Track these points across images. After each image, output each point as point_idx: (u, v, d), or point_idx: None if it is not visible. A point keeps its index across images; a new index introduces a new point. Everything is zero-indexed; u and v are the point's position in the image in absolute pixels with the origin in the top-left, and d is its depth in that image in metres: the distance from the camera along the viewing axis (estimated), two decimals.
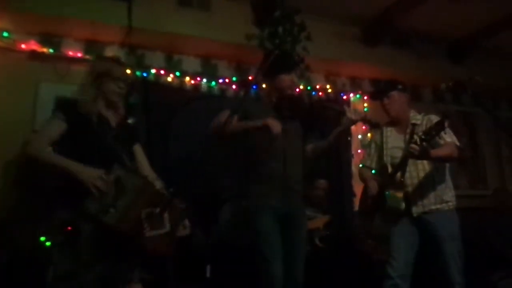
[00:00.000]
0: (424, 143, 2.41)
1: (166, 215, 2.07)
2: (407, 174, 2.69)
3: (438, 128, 2.38)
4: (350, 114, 2.47)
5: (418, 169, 2.72)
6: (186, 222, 2.22)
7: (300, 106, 2.41)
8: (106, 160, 2.03)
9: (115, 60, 2.36)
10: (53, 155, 2.05)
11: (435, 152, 2.56)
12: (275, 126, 2.28)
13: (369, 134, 4.65)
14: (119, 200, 1.98)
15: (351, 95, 4.98)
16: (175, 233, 2.14)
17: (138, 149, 2.34)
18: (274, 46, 3.76)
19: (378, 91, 2.89)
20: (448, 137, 2.63)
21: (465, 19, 4.63)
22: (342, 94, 4.93)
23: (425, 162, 2.70)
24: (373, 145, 2.95)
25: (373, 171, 2.90)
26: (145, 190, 2.07)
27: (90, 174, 1.96)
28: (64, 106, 2.15)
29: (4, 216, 3.24)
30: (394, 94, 2.80)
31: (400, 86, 2.84)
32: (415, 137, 2.55)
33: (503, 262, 3.90)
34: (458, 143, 2.69)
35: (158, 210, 2.04)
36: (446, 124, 2.35)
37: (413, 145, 2.43)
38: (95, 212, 1.94)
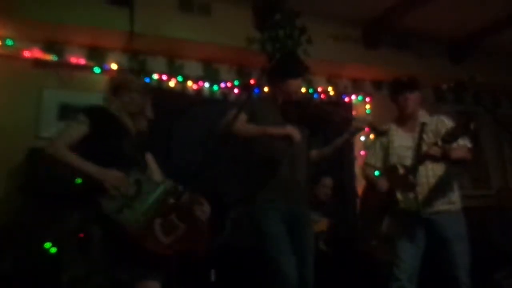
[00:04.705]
0: (446, 145, 2.39)
1: (173, 218, 2.10)
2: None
3: (463, 130, 2.35)
4: (357, 122, 2.48)
5: (427, 169, 2.67)
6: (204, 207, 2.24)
7: (307, 111, 2.42)
8: (124, 166, 2.07)
9: (129, 72, 2.46)
10: (72, 156, 2.07)
11: (455, 154, 2.54)
12: (296, 134, 2.27)
13: (371, 135, 4.65)
14: (136, 202, 2.00)
15: (353, 97, 5.00)
16: (198, 222, 2.18)
17: (149, 157, 2.40)
18: (275, 50, 3.77)
19: (403, 84, 2.84)
20: (461, 139, 2.58)
21: (465, 19, 4.65)
22: (344, 96, 4.94)
23: (434, 162, 2.66)
24: (378, 144, 2.92)
25: (376, 173, 2.88)
26: (165, 200, 2.11)
27: (112, 175, 2.01)
28: (89, 110, 2.20)
29: (8, 222, 3.25)
30: (418, 93, 2.82)
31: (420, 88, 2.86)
32: (431, 136, 2.52)
33: (507, 261, 3.90)
34: (469, 145, 2.67)
35: (174, 217, 2.09)
36: (471, 126, 2.32)
37: (435, 148, 2.40)
38: (109, 211, 1.96)
